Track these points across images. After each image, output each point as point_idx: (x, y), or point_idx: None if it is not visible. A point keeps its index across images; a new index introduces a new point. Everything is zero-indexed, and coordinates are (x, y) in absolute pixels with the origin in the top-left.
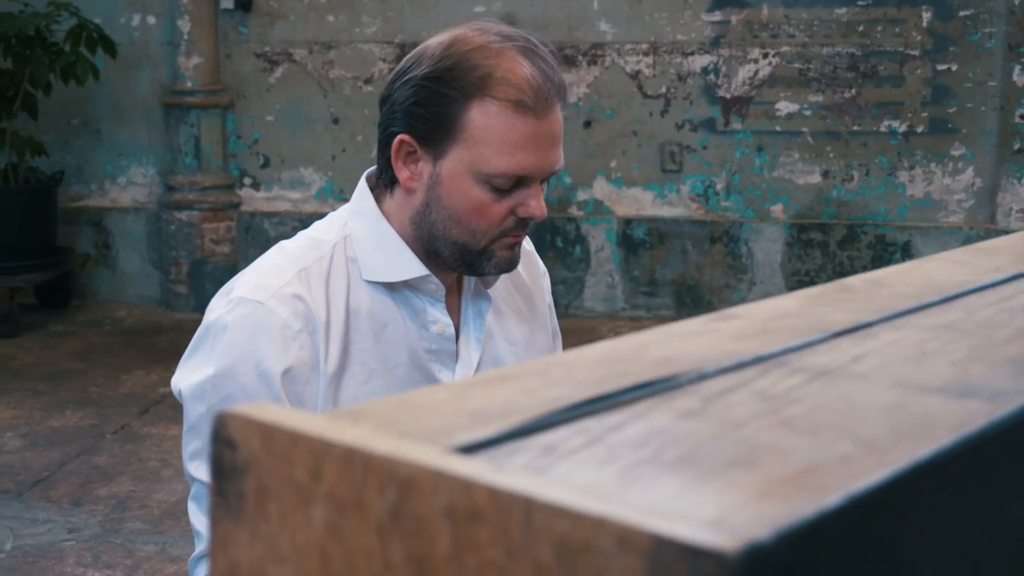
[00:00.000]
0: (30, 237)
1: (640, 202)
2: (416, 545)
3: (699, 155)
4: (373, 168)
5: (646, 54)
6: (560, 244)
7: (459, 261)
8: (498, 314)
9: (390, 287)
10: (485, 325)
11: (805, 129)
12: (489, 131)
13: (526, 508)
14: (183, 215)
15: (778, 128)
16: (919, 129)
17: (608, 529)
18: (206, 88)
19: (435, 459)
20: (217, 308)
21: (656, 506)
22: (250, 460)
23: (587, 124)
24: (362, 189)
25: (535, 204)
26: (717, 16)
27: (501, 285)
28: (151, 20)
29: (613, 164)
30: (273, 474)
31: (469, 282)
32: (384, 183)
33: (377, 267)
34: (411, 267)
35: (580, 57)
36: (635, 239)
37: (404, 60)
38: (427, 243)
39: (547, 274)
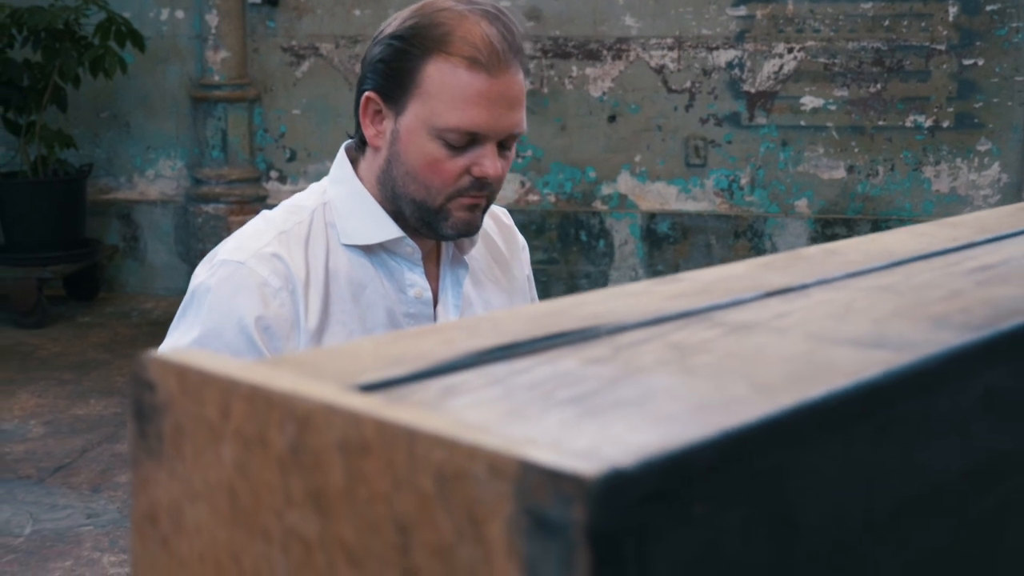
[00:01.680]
0: (59, 229)
1: (664, 196)
2: (313, 479)
3: (723, 150)
4: (352, 140)
5: (671, 48)
6: (584, 238)
7: (419, 220)
8: (477, 283)
9: (368, 250)
10: (463, 292)
11: (830, 124)
12: (443, 86)
13: (409, 439)
14: (210, 208)
15: (803, 123)
16: (945, 124)
17: (481, 457)
18: (233, 82)
19: (330, 395)
20: (201, 273)
21: (530, 437)
22: (167, 401)
23: (612, 118)
24: (341, 158)
25: (489, 163)
26: (742, 11)
27: (480, 256)
28: (179, 14)
29: (637, 158)
30: (187, 414)
31: (447, 250)
32: (357, 146)
33: (354, 230)
34: (386, 230)
35: (605, 52)
36: (659, 233)
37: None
38: (391, 202)
39: (527, 248)
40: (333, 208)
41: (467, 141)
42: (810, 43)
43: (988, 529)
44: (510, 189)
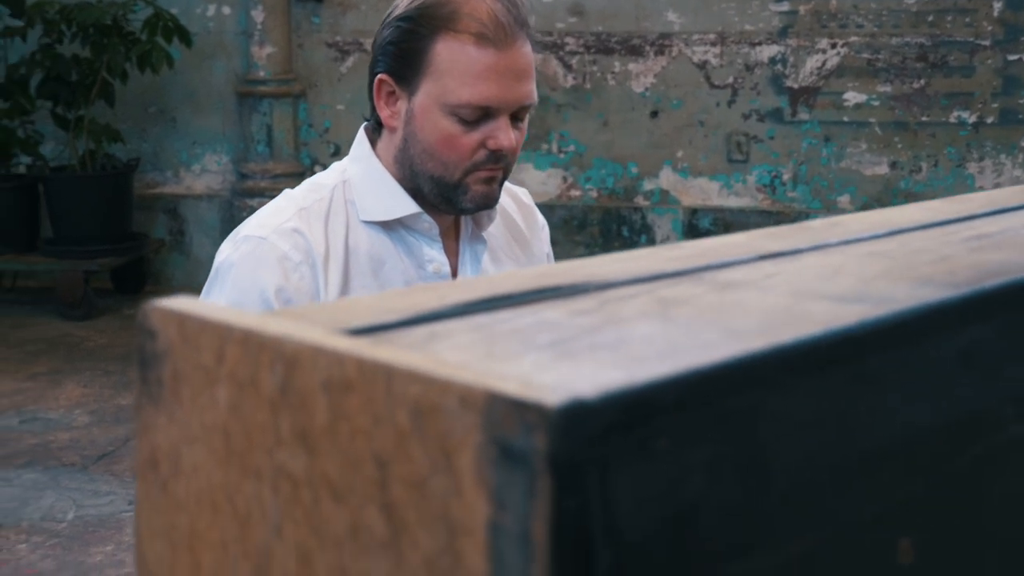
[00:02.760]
0: (106, 223)
1: (706, 192)
2: (300, 418)
3: (766, 145)
4: (369, 121)
5: (713, 44)
6: (626, 233)
7: (438, 196)
8: (496, 260)
9: (386, 227)
10: (481, 268)
11: (873, 119)
12: (453, 64)
13: (387, 377)
14: (255, 202)
15: (846, 118)
16: (989, 120)
17: (452, 390)
18: (278, 77)
19: (316, 337)
20: (225, 250)
21: (501, 374)
22: (167, 348)
23: (654, 114)
24: (360, 137)
25: (503, 136)
26: (785, 6)
27: (498, 233)
28: (226, 10)
29: (679, 154)
30: (186, 360)
31: (466, 226)
32: (374, 127)
33: (372, 207)
34: (403, 205)
35: (647, 47)
36: (701, 229)
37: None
38: (410, 180)
39: (546, 227)
40: (352, 186)
41: (480, 116)
42: (853, 38)
43: (968, 485)
44: (552, 184)
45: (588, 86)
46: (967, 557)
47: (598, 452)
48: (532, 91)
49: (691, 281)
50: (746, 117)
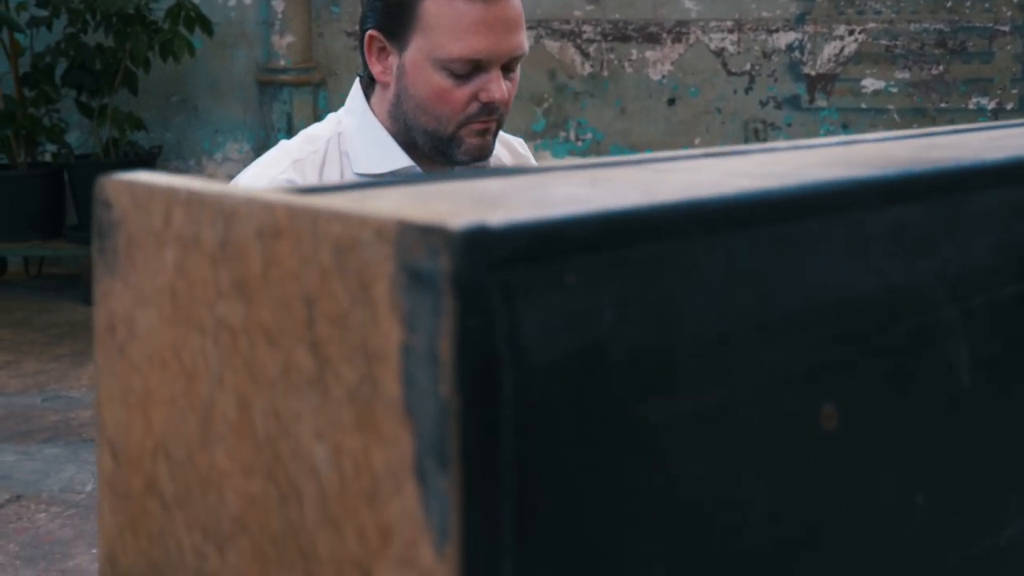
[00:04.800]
0: None
1: None
2: (237, 268)
3: (783, 132)
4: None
5: (731, 31)
6: None
7: (434, 150)
8: None
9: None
10: None
11: (891, 106)
12: (442, 18)
13: (313, 218)
14: None
15: (864, 105)
16: (1008, 106)
17: (368, 224)
18: (299, 66)
19: (252, 192)
20: None
21: (418, 212)
22: (121, 217)
23: (671, 102)
24: (355, 89)
25: (495, 88)
26: None
27: None
28: (247, 0)
29: (697, 141)
30: (137, 226)
31: None
32: (367, 82)
33: (366, 160)
34: (397, 159)
35: (665, 35)
36: None
37: None
38: (404, 134)
39: None
40: (347, 138)
41: (471, 69)
42: (871, 25)
43: (896, 361)
44: None
45: (605, 74)
46: (892, 432)
47: (502, 277)
48: (523, 41)
49: (631, 167)
50: (763, 104)
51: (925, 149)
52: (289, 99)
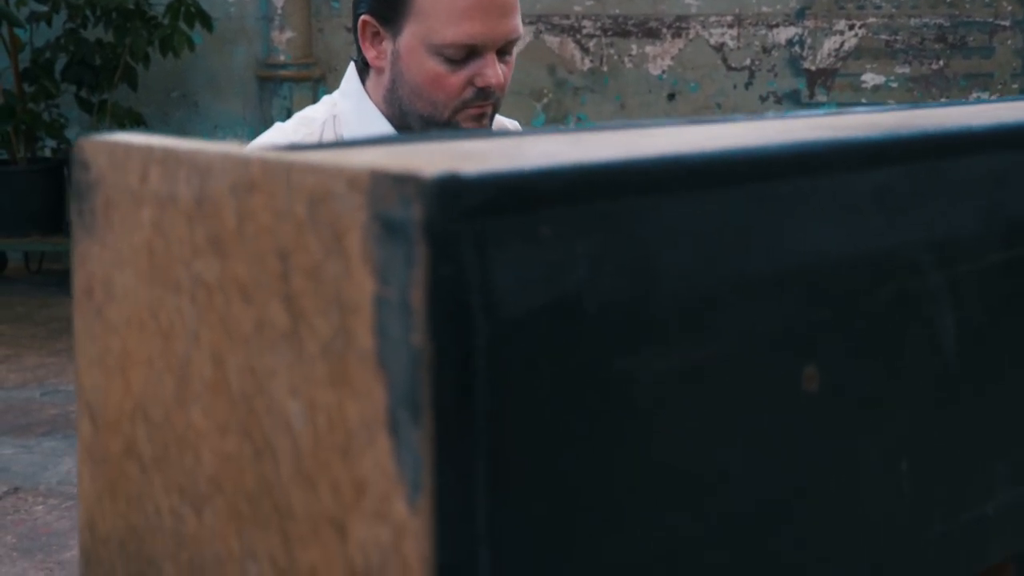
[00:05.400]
0: None
1: None
2: (213, 225)
3: None
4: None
5: (731, 26)
6: None
7: None
8: None
9: None
10: None
11: (891, 101)
12: (436, 3)
13: (287, 171)
14: None
15: (864, 100)
16: None
17: (342, 175)
18: (298, 62)
19: (227, 148)
20: None
21: (391, 163)
22: (98, 177)
23: (671, 97)
24: (350, 72)
25: (490, 72)
26: None
27: None
28: None
29: None
30: (115, 186)
31: None
32: (361, 66)
33: None
34: None
35: (664, 30)
36: None
37: None
38: (399, 119)
39: None
40: (342, 121)
41: (466, 54)
42: (871, 20)
43: (881, 325)
44: None
45: (605, 69)
46: (876, 397)
47: (475, 227)
48: (517, 25)
49: (614, 131)
50: (763, 99)
51: (911, 118)
52: (289, 94)
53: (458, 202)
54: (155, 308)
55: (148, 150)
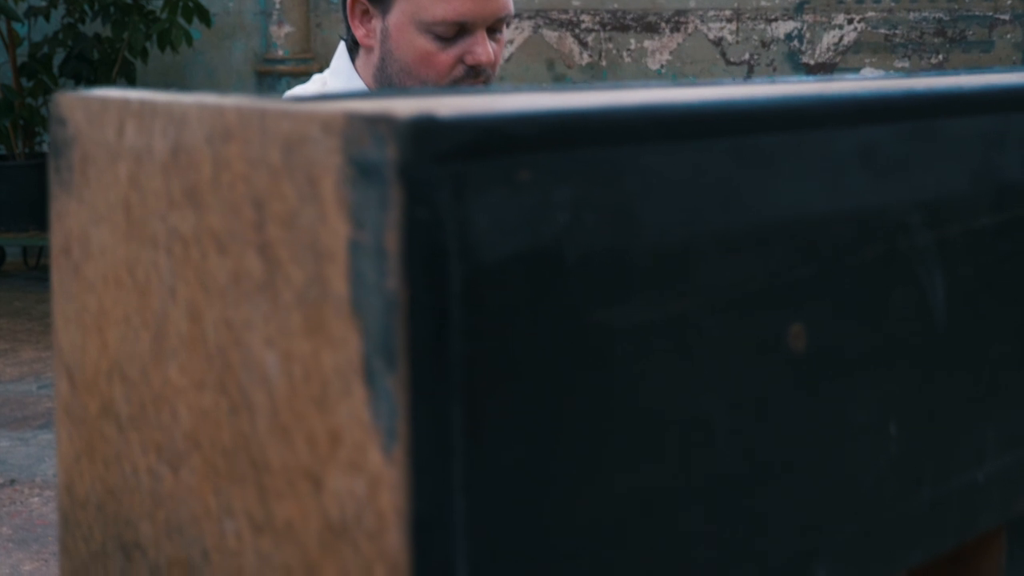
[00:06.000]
0: None
1: None
2: (189, 176)
3: None
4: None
5: (729, 20)
6: None
7: None
8: None
9: None
10: None
11: None
12: None
13: (261, 118)
14: None
15: None
16: None
17: (316, 119)
18: (297, 56)
19: (202, 98)
20: None
21: (367, 107)
22: (75, 133)
23: None
24: (340, 51)
25: (480, 50)
26: None
27: None
28: None
29: None
30: (92, 140)
31: None
32: (351, 45)
33: None
34: None
35: (663, 24)
36: None
37: None
38: None
39: None
40: None
41: (456, 31)
42: (870, 14)
43: (870, 284)
44: None
45: (604, 63)
46: (864, 358)
47: (451, 170)
48: (508, 2)
49: (602, 90)
50: None
51: (901, 80)
52: (287, 89)
53: (433, 144)
54: (132, 264)
55: (124, 103)
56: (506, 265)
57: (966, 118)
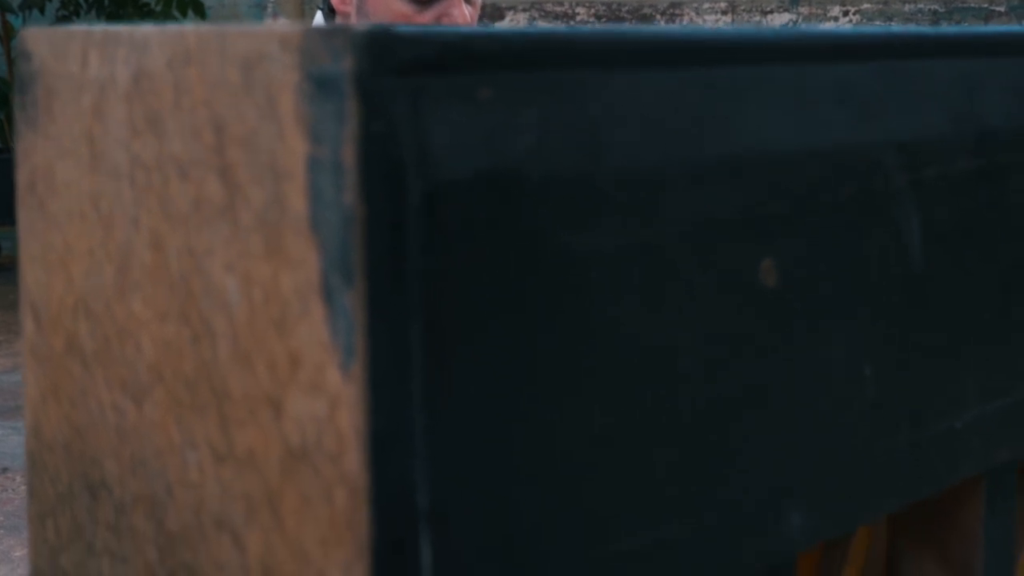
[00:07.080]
0: None
1: None
2: (150, 103)
3: None
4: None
5: (724, 12)
6: None
7: None
8: None
9: None
10: None
11: None
12: None
13: (220, 39)
14: None
15: None
16: None
17: (275, 38)
18: None
19: (163, 27)
20: None
21: (325, 25)
22: (40, 67)
23: None
24: (317, 19)
25: (456, 12)
26: None
27: None
28: None
29: None
30: (56, 74)
31: None
32: (327, 12)
33: None
34: None
35: (658, 16)
36: None
37: None
38: None
39: None
40: None
41: None
42: (865, 6)
43: (844, 223)
44: None
45: None
46: (838, 297)
47: (409, 83)
48: None
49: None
50: None
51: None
52: None
53: (390, 56)
54: (96, 197)
55: (88, 34)
56: (467, 183)
57: (946, 60)
